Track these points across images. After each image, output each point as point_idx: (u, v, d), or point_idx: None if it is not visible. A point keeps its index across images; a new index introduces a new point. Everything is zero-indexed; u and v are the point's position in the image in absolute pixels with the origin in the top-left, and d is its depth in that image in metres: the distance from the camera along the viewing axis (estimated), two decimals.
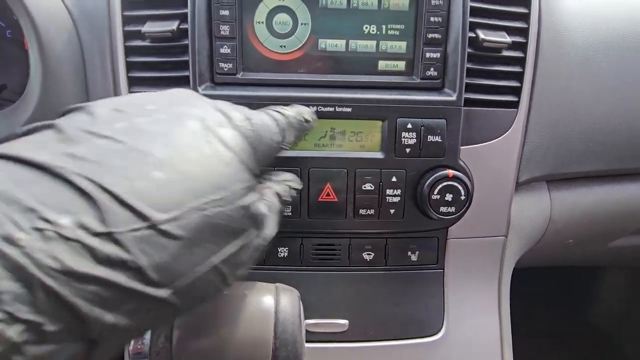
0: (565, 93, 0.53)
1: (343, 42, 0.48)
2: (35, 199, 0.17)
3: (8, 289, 0.15)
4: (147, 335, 0.28)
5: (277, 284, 0.31)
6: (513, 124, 0.51)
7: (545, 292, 1.16)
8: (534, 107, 0.52)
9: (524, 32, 0.50)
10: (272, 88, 0.47)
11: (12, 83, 0.56)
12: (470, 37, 0.47)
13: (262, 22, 0.47)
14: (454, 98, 0.47)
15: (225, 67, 0.47)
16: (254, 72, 0.48)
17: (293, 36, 0.48)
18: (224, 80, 0.48)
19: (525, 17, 0.50)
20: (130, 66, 0.48)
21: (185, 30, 0.46)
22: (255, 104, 0.46)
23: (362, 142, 0.48)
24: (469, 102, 0.48)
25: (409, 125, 0.47)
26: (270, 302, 0.28)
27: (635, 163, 0.57)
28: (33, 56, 0.47)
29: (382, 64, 0.49)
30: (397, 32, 0.48)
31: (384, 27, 0.48)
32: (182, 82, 0.47)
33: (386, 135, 0.47)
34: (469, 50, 0.47)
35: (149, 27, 0.46)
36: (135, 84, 0.48)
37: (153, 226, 0.19)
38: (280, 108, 0.32)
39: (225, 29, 0.46)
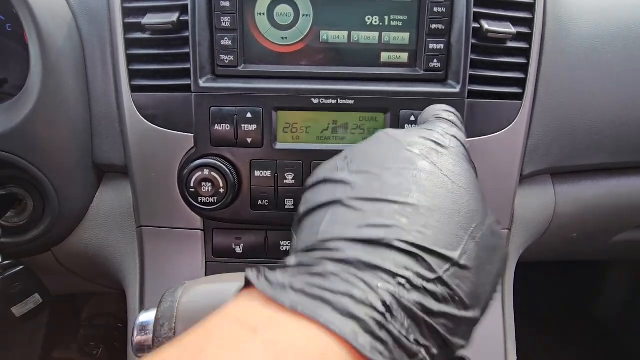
0: (571, 85, 0.52)
1: (345, 33, 0.48)
2: (377, 262, 0.22)
3: (402, 322, 0.21)
4: (150, 326, 0.28)
5: None
6: (517, 116, 0.50)
7: (547, 287, 1.15)
8: (538, 99, 0.52)
9: (529, 23, 0.49)
10: (274, 80, 0.47)
11: (12, 77, 0.56)
12: (474, 28, 0.47)
13: (264, 14, 0.47)
14: (457, 90, 0.47)
15: (227, 59, 0.47)
16: (255, 64, 0.48)
17: (294, 28, 0.47)
18: (225, 72, 0.47)
19: (530, 7, 0.49)
20: (130, 59, 0.48)
21: (186, 22, 0.46)
22: (256, 96, 0.46)
23: (364, 134, 0.48)
24: (472, 94, 0.48)
25: (412, 118, 0.47)
26: None
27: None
28: (33, 50, 0.47)
29: (385, 56, 0.49)
30: (400, 23, 0.47)
31: (386, 18, 0.47)
32: (183, 74, 0.47)
33: (389, 127, 0.47)
34: (473, 41, 0.47)
35: (149, 19, 0.46)
36: (135, 76, 0.48)
37: (455, 264, 0.23)
38: (439, 108, 0.35)
39: (226, 21, 0.46)
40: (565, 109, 0.53)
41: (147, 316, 0.29)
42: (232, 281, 0.29)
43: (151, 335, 0.27)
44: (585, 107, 0.53)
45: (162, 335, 0.26)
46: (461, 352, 0.25)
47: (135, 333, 0.28)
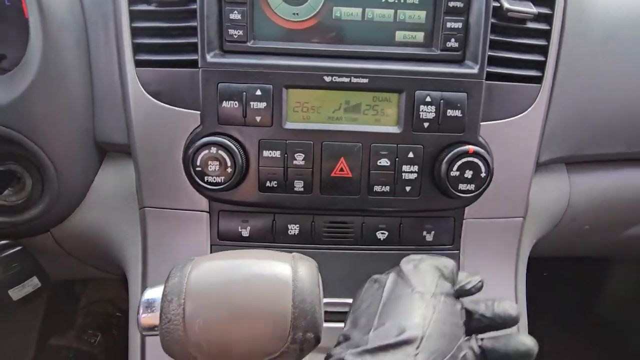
0: (590, 70, 0.51)
1: (359, 10, 0.46)
2: None
3: None
4: (157, 304, 0.26)
5: (294, 253, 0.29)
6: (536, 101, 0.48)
7: (553, 282, 1.14)
8: (557, 84, 0.50)
9: (550, 3, 0.47)
10: (284, 57, 0.45)
11: (10, 53, 0.53)
12: (494, 7, 0.45)
13: None
14: (475, 71, 0.45)
15: (235, 34, 0.45)
16: (265, 40, 0.46)
17: (306, 3, 0.45)
18: (233, 48, 0.45)
19: None
20: (135, 32, 0.46)
21: None
22: (266, 73, 0.44)
23: (377, 115, 0.46)
24: (490, 76, 0.46)
25: (428, 99, 0.45)
26: (288, 271, 0.26)
27: None
28: (33, 21, 0.45)
29: (400, 35, 0.47)
30: (416, 1, 0.45)
31: None
32: (189, 49, 0.45)
33: (403, 109, 0.45)
34: (492, 20, 0.45)
35: None
36: (140, 50, 0.46)
37: None
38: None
39: None
40: (584, 94, 0.51)
41: (154, 292, 0.27)
42: (241, 258, 0.28)
43: (158, 313, 0.25)
44: (605, 94, 0.52)
45: (171, 311, 0.24)
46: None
47: (141, 311, 0.26)
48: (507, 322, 0.33)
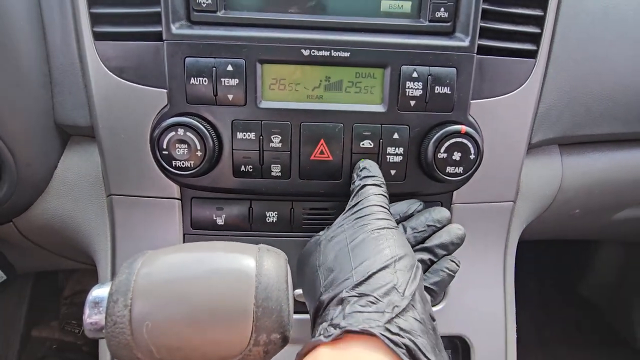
0: (587, 45, 0.48)
1: None
2: None
3: None
4: (104, 303, 0.23)
5: (261, 245, 0.26)
6: (530, 77, 0.45)
7: (537, 264, 1.15)
8: (553, 59, 0.47)
9: None
10: (258, 29, 0.41)
11: None
12: None
13: None
14: (466, 44, 0.42)
15: (204, 3, 0.41)
16: (236, 10, 0.42)
17: None
18: (202, 18, 0.41)
19: None
20: (92, 1, 0.41)
21: None
22: (238, 46, 0.40)
23: (361, 93, 0.43)
24: (482, 50, 0.43)
25: (415, 74, 0.42)
26: (251, 265, 0.23)
27: None
28: None
29: (386, 4, 0.43)
30: None
31: None
32: (153, 19, 0.41)
33: (388, 86, 0.42)
34: None
35: None
36: (98, 21, 0.42)
37: None
38: None
39: None
40: (579, 71, 0.48)
41: (101, 291, 0.24)
42: (199, 251, 0.25)
43: (104, 314, 0.22)
44: (601, 71, 0.49)
45: (116, 313, 0.22)
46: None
47: (87, 312, 0.23)
48: (443, 223, 0.43)
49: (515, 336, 0.53)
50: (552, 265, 1.20)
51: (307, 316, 0.47)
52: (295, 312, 0.27)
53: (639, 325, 1.06)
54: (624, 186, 0.60)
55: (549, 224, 0.64)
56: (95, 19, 0.42)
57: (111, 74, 0.42)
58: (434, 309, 0.50)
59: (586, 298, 1.17)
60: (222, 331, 0.22)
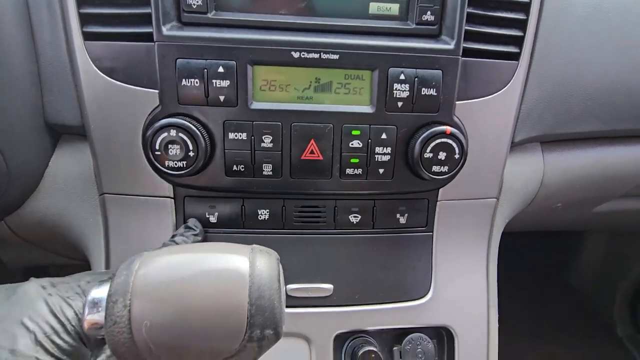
0: (569, 46, 0.49)
1: None
2: None
3: None
4: (103, 303, 0.24)
5: (253, 245, 0.28)
6: (513, 78, 0.47)
7: (527, 255, 1.18)
8: (535, 61, 0.48)
9: None
10: (249, 30, 0.42)
11: None
12: None
13: None
14: (451, 47, 0.43)
15: (194, 4, 0.41)
16: (227, 11, 0.42)
17: None
18: (192, 19, 0.41)
19: None
20: (82, 1, 0.41)
21: None
22: (229, 47, 0.41)
23: (350, 94, 0.44)
24: (467, 52, 0.44)
25: (402, 77, 0.43)
26: (245, 265, 0.25)
27: (635, 124, 0.55)
28: None
29: (374, 7, 0.44)
30: None
31: None
32: (143, 20, 0.41)
33: (376, 87, 0.43)
34: None
35: None
36: (88, 22, 0.42)
37: None
38: None
39: None
40: (561, 72, 0.50)
41: (100, 292, 0.25)
42: (194, 252, 0.26)
43: (104, 313, 0.23)
44: (582, 71, 0.50)
45: (116, 313, 0.23)
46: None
47: (87, 311, 0.24)
48: None
49: (497, 325, 0.55)
50: (541, 254, 1.23)
51: (298, 310, 0.49)
52: (287, 306, 0.28)
53: (619, 316, 1.10)
54: (603, 181, 0.62)
55: (532, 217, 0.66)
56: (85, 20, 0.41)
57: (102, 74, 0.42)
58: (420, 301, 0.52)
59: (574, 285, 1.21)
60: (217, 328, 0.23)
